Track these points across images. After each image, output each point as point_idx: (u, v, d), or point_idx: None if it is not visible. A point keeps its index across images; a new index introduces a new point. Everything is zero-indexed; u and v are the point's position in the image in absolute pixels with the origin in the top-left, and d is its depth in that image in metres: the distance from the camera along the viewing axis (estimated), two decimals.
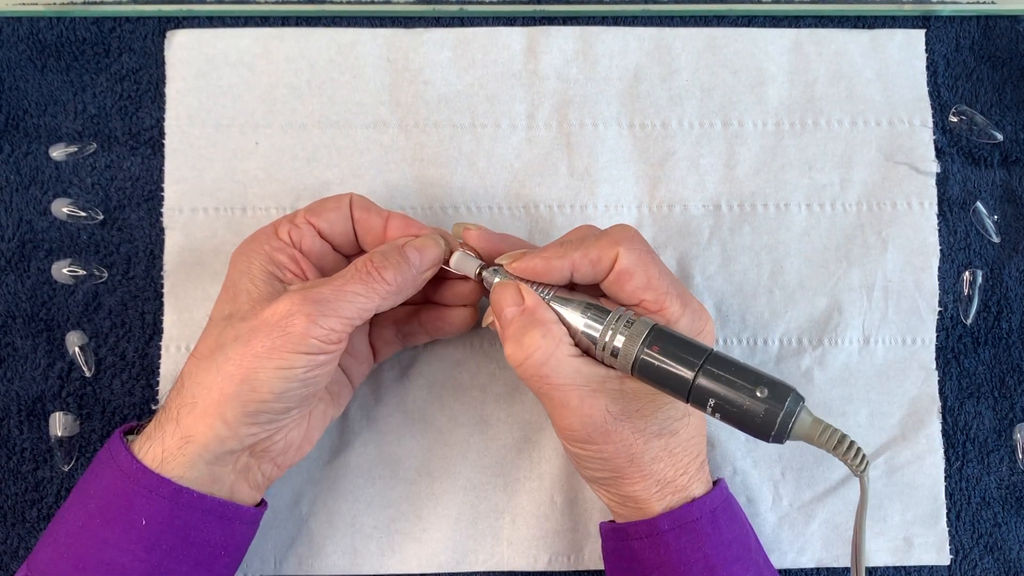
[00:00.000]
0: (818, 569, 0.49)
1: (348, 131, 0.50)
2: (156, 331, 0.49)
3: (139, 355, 0.49)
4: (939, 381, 0.50)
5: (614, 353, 0.39)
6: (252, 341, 0.38)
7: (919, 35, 0.52)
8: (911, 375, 0.50)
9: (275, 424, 0.39)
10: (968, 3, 0.52)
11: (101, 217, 0.49)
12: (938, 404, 0.50)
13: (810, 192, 0.50)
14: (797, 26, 0.52)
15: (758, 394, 0.36)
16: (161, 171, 0.50)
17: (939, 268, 0.50)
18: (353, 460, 0.49)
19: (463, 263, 0.42)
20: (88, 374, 0.49)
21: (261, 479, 0.42)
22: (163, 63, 0.50)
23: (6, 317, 0.49)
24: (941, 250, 0.50)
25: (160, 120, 0.50)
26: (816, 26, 0.52)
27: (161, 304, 0.49)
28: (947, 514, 0.49)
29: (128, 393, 0.49)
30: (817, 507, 0.49)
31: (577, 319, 0.40)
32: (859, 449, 0.37)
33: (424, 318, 0.45)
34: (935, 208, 0.51)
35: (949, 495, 0.49)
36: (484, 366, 0.49)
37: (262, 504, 0.43)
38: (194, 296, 0.49)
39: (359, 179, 0.50)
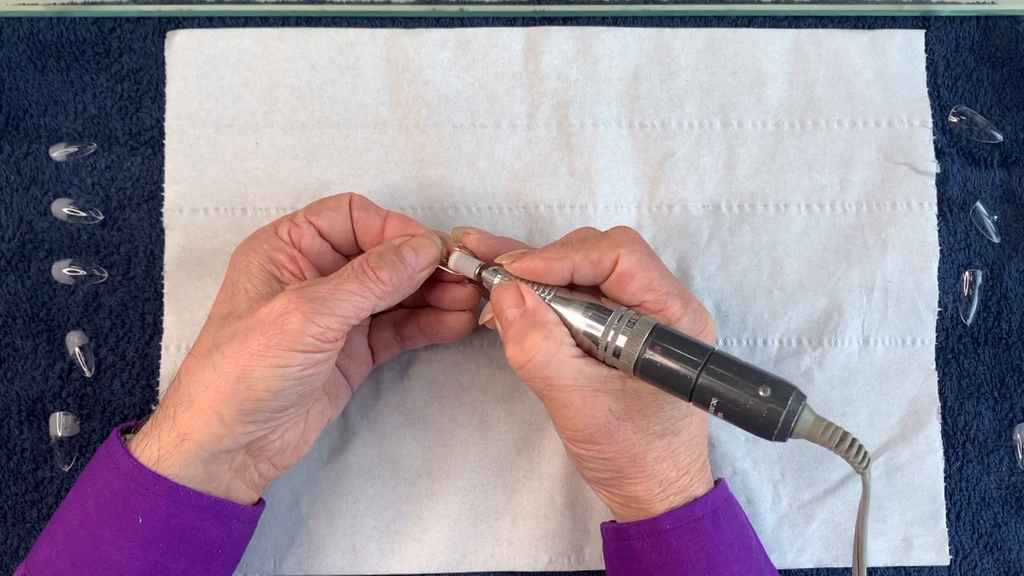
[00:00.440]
0: (818, 569, 0.49)
1: (348, 131, 0.50)
2: (156, 331, 0.49)
3: (139, 355, 0.49)
4: (939, 381, 0.50)
5: (616, 353, 0.39)
6: (248, 339, 0.38)
7: (919, 35, 0.52)
8: (911, 375, 0.50)
9: (271, 423, 0.40)
10: (968, 3, 0.52)
11: (101, 217, 0.49)
12: (938, 404, 0.50)
13: (810, 192, 0.50)
14: (797, 26, 0.52)
15: (761, 393, 0.36)
16: (161, 171, 0.50)
17: (939, 268, 0.50)
18: (353, 460, 0.49)
19: (462, 263, 0.42)
20: (88, 374, 0.49)
21: (258, 478, 0.42)
22: (163, 63, 0.50)
23: (6, 317, 0.49)
24: (941, 250, 0.50)
25: (160, 120, 0.50)
26: (816, 26, 0.52)
27: (161, 304, 0.49)
28: (947, 514, 0.49)
29: (128, 393, 0.49)
30: (817, 507, 0.49)
31: (578, 319, 0.40)
32: (861, 446, 0.37)
33: (423, 322, 0.45)
34: (935, 208, 0.51)
35: (949, 495, 0.49)
36: (484, 367, 0.49)
37: (260, 503, 0.43)
38: (194, 296, 0.49)
39: (359, 179, 0.50)
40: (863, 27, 0.52)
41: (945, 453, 0.49)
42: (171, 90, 0.50)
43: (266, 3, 0.51)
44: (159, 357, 0.49)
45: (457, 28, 0.51)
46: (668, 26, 0.51)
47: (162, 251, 0.49)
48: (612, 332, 0.39)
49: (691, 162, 0.50)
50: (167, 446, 0.38)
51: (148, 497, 0.38)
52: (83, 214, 0.49)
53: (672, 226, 0.50)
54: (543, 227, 0.50)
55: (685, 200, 0.50)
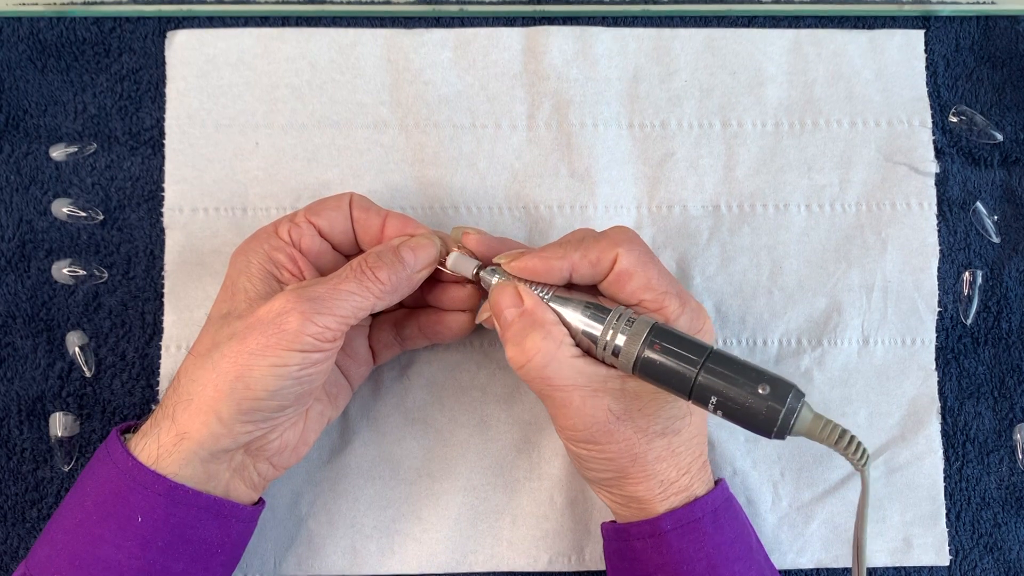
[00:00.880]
0: (817, 569, 0.49)
1: (348, 131, 0.50)
2: (156, 331, 0.49)
3: (139, 355, 0.49)
4: (939, 381, 0.50)
5: (615, 352, 0.39)
6: (247, 338, 0.38)
7: (919, 35, 0.52)
8: (911, 375, 0.50)
9: (270, 422, 0.40)
10: (968, 3, 0.52)
11: (101, 217, 0.49)
12: (937, 404, 0.50)
13: (809, 193, 0.50)
14: (797, 26, 0.52)
15: (760, 391, 0.36)
16: (161, 171, 0.50)
17: (939, 268, 0.50)
18: (353, 460, 0.49)
19: (460, 264, 0.42)
20: (88, 374, 0.49)
21: (257, 478, 0.42)
22: (163, 63, 0.50)
23: (6, 317, 0.49)
24: (941, 250, 0.50)
25: (160, 120, 0.50)
26: (816, 26, 0.52)
27: (161, 304, 0.49)
28: (947, 514, 0.49)
29: (128, 393, 0.49)
30: (816, 507, 0.49)
31: (577, 319, 0.40)
32: (860, 443, 0.37)
33: (423, 322, 0.45)
34: (934, 208, 0.51)
35: (949, 495, 0.49)
36: (484, 367, 0.49)
37: (259, 503, 0.43)
38: (194, 296, 0.49)
39: (359, 179, 0.50)
40: (863, 27, 0.52)
41: (945, 453, 0.49)
42: (171, 90, 0.50)
43: (266, 3, 0.51)
44: (159, 357, 0.49)
45: (457, 28, 0.51)
46: (668, 26, 0.51)
47: (162, 251, 0.49)
48: (611, 331, 0.39)
49: (691, 162, 0.50)
50: (166, 445, 0.38)
51: (147, 496, 0.38)
52: (83, 214, 0.49)
53: (672, 226, 0.50)
54: (543, 227, 0.50)
55: (685, 200, 0.50)
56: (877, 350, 0.50)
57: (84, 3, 0.50)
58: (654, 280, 0.40)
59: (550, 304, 0.40)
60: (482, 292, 0.44)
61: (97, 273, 0.49)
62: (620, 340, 0.39)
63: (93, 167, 0.50)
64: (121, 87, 0.50)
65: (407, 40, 0.50)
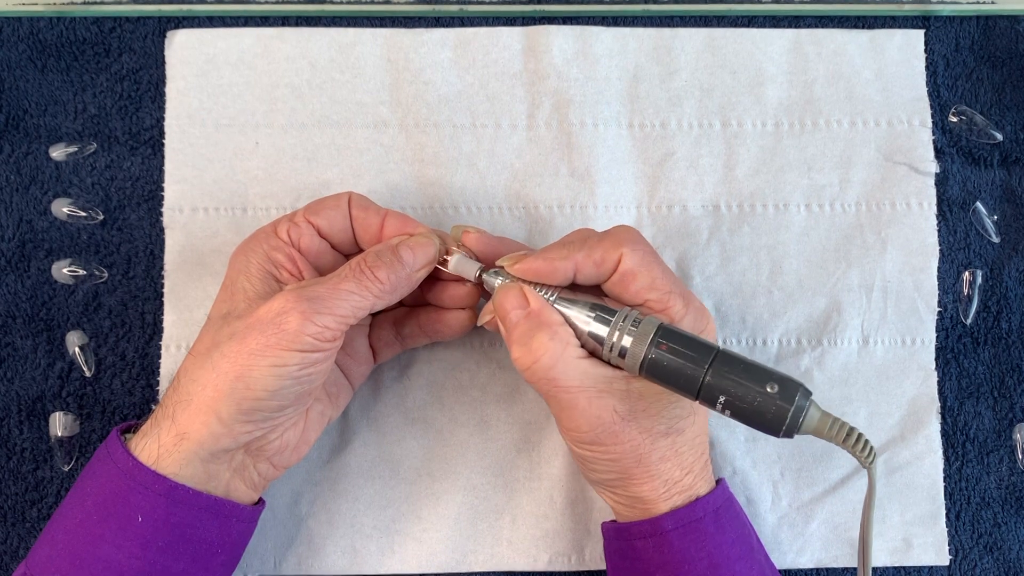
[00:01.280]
0: (817, 569, 0.49)
1: (348, 131, 0.50)
2: (156, 331, 0.49)
3: (139, 355, 0.49)
4: (938, 381, 0.50)
5: (622, 353, 0.39)
6: (247, 338, 0.38)
7: (919, 35, 0.52)
8: (910, 375, 0.50)
9: (270, 422, 0.40)
10: (968, 3, 0.52)
11: (101, 217, 0.49)
12: (937, 404, 0.50)
13: (809, 192, 0.50)
14: (797, 26, 0.52)
15: (768, 390, 0.36)
16: (161, 171, 0.50)
17: (939, 268, 0.50)
18: (353, 460, 0.49)
19: (462, 266, 0.42)
20: (88, 374, 0.49)
21: (258, 478, 0.42)
22: (163, 63, 0.50)
23: (6, 317, 0.49)
24: (941, 250, 0.50)
25: (160, 120, 0.50)
26: (816, 26, 0.52)
27: (161, 304, 0.49)
28: (946, 514, 0.49)
29: (128, 393, 0.49)
30: (816, 507, 0.49)
31: (583, 320, 0.40)
32: (867, 441, 0.38)
33: (423, 320, 0.45)
34: (934, 208, 0.51)
35: (948, 495, 0.49)
36: (484, 366, 0.49)
37: (260, 503, 0.43)
38: (194, 296, 0.49)
39: (359, 179, 0.50)
40: (863, 27, 0.52)
41: (945, 453, 0.49)
42: (171, 90, 0.50)
43: (266, 3, 0.51)
44: (159, 357, 0.49)
45: (457, 28, 0.51)
46: (668, 26, 0.51)
47: (162, 251, 0.49)
48: (617, 332, 0.39)
49: (691, 162, 0.50)
50: (166, 445, 0.38)
51: (147, 496, 0.38)
52: (83, 214, 0.49)
53: (672, 226, 0.50)
54: (543, 227, 0.50)
55: (685, 200, 0.50)
56: (877, 350, 0.50)
57: (84, 3, 0.50)
58: (659, 280, 0.40)
59: (555, 305, 0.40)
60: (484, 294, 0.43)
61: (97, 273, 0.49)
62: (627, 341, 0.39)
63: (93, 167, 0.50)
64: (121, 87, 0.50)
65: (407, 40, 0.50)
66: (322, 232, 0.42)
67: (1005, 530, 0.49)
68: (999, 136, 0.51)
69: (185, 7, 0.51)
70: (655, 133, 0.51)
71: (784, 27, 0.52)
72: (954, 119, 0.51)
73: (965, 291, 0.51)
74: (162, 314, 0.49)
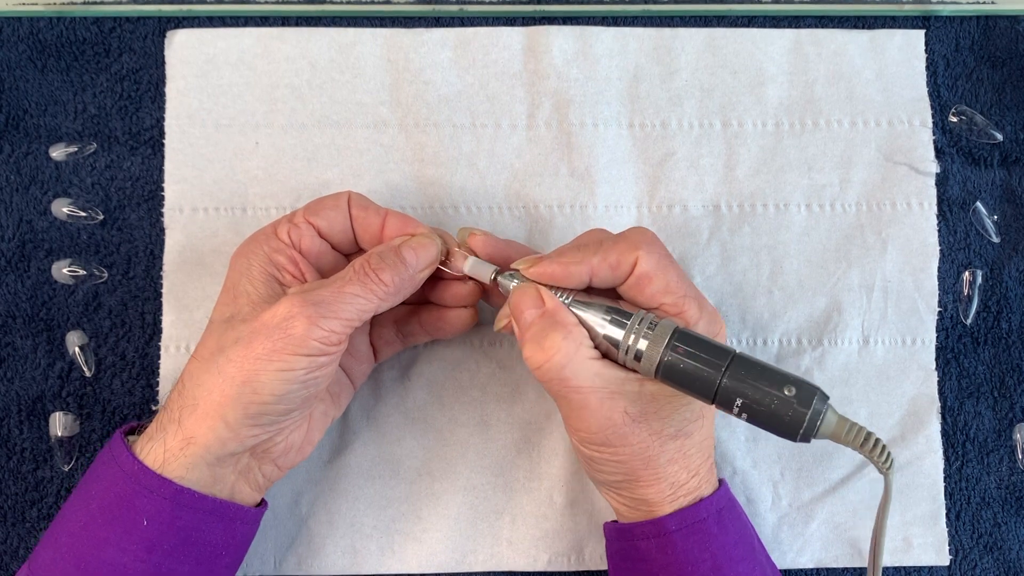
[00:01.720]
0: (818, 569, 0.49)
1: (348, 131, 0.50)
2: (156, 331, 0.49)
3: (139, 355, 0.49)
4: (939, 381, 0.50)
5: (637, 356, 0.39)
6: (253, 343, 0.38)
7: (919, 35, 0.52)
8: (911, 375, 0.50)
9: (276, 426, 0.40)
10: (968, 3, 0.52)
11: (101, 217, 0.49)
12: (937, 404, 0.50)
13: (809, 192, 0.50)
14: (797, 26, 0.52)
15: (785, 393, 0.36)
16: (161, 171, 0.50)
17: (939, 268, 0.50)
18: (353, 460, 0.49)
19: (478, 269, 0.42)
20: (88, 374, 0.49)
21: (262, 480, 0.42)
22: (163, 63, 0.50)
23: (6, 317, 0.49)
24: (941, 250, 0.50)
25: (160, 120, 0.50)
26: (816, 26, 0.52)
27: (161, 304, 0.49)
28: (947, 514, 0.49)
29: (128, 393, 0.49)
30: (817, 507, 0.49)
31: (598, 322, 0.40)
32: (884, 446, 0.37)
33: (424, 318, 0.45)
34: (935, 208, 0.51)
35: (949, 495, 0.49)
36: (484, 366, 0.49)
37: (262, 504, 0.43)
38: (194, 296, 0.49)
39: (359, 179, 0.50)
40: (863, 27, 0.52)
41: (945, 453, 0.49)
42: (171, 90, 0.50)
43: (266, 3, 0.51)
44: (159, 357, 0.49)
45: (457, 28, 0.51)
46: (668, 26, 0.51)
47: (162, 251, 0.49)
48: (633, 335, 0.39)
49: (691, 162, 0.50)
50: (172, 449, 0.38)
51: (153, 499, 0.38)
52: (83, 214, 0.49)
53: (672, 226, 0.50)
54: (543, 227, 0.50)
55: (685, 200, 0.50)
56: (877, 350, 0.50)
57: (84, 3, 0.50)
58: (674, 283, 0.40)
59: (571, 308, 0.40)
60: (498, 297, 0.43)
61: (97, 273, 0.49)
62: (642, 344, 0.39)
63: (93, 167, 0.50)
64: (121, 87, 0.50)
65: (407, 40, 0.50)
66: (322, 233, 0.42)
67: (1005, 530, 0.49)
68: (999, 136, 0.51)
69: (185, 7, 0.51)
70: (655, 133, 0.51)
71: (784, 27, 0.52)
72: (954, 119, 0.51)
73: (965, 291, 0.51)
74: (162, 314, 0.49)
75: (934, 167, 0.51)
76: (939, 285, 0.50)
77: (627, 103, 0.51)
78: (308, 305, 0.38)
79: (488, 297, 0.45)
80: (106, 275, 0.49)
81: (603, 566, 0.48)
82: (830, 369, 0.50)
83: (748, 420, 0.37)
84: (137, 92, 0.50)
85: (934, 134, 0.51)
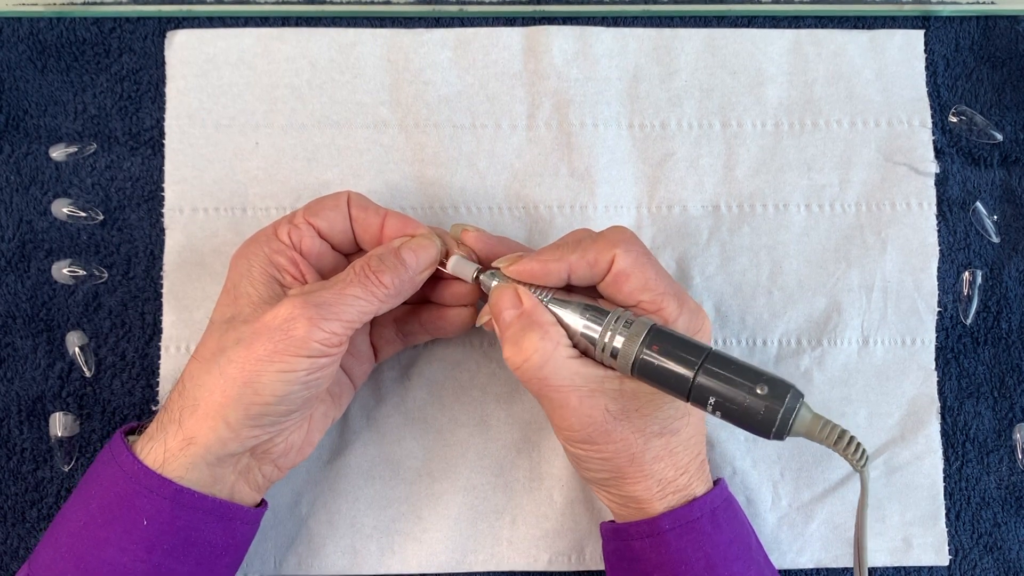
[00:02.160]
0: (817, 569, 0.49)
1: (348, 131, 0.50)
2: (156, 331, 0.49)
3: (139, 355, 0.49)
4: (938, 381, 0.50)
5: (613, 354, 0.39)
6: (254, 344, 0.38)
7: (918, 35, 0.52)
8: (910, 375, 0.50)
9: (277, 426, 0.40)
10: (968, 3, 0.52)
11: (101, 217, 0.49)
12: (937, 404, 0.50)
13: (809, 193, 0.50)
14: (797, 26, 0.52)
15: (758, 391, 0.36)
16: (161, 171, 0.50)
17: (939, 268, 0.50)
18: (353, 460, 0.49)
19: (460, 267, 0.42)
20: (88, 374, 0.49)
21: (262, 480, 0.42)
22: (163, 63, 0.50)
23: (6, 317, 0.49)
24: (941, 250, 0.50)
25: (160, 120, 0.50)
26: (816, 26, 0.52)
27: (161, 304, 0.49)
28: (946, 514, 0.49)
29: (128, 393, 0.49)
30: (816, 507, 0.49)
31: (576, 320, 0.40)
32: (859, 444, 0.38)
33: (424, 318, 0.45)
34: (934, 208, 0.51)
35: (948, 495, 0.49)
36: (484, 366, 0.49)
37: (262, 504, 0.43)
38: (194, 296, 0.49)
39: (359, 179, 0.50)
40: (863, 27, 0.52)
41: (945, 453, 0.49)
42: (171, 90, 0.50)
43: (266, 3, 0.51)
44: (159, 357, 0.49)
45: (457, 28, 0.51)
46: (668, 26, 0.51)
47: (162, 251, 0.49)
48: (609, 333, 0.39)
49: (691, 162, 0.50)
50: (173, 449, 0.38)
51: (153, 500, 0.38)
52: (83, 214, 0.49)
53: (672, 226, 0.50)
54: (543, 227, 0.50)
55: (685, 200, 0.50)
56: (877, 350, 0.50)
57: (84, 3, 0.50)
58: (652, 281, 0.40)
59: (549, 306, 0.40)
60: (482, 294, 0.44)
61: (97, 273, 0.49)
62: (618, 342, 0.39)
63: (93, 167, 0.50)
64: (121, 87, 0.50)
65: (407, 40, 0.50)
66: (322, 233, 0.42)
67: (1005, 530, 0.49)
68: (999, 136, 0.51)
69: (185, 7, 0.51)
70: (655, 133, 0.51)
71: (784, 27, 0.52)
72: (954, 119, 0.51)
73: (965, 291, 0.51)
74: (162, 314, 0.49)
75: (934, 167, 0.51)
76: (939, 285, 0.50)
77: (627, 103, 0.51)
78: (309, 307, 0.38)
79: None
80: (106, 275, 0.49)
81: (603, 566, 0.48)
82: (830, 369, 0.50)
83: (722, 417, 0.37)
84: (137, 92, 0.50)
85: (934, 134, 0.51)
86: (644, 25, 0.51)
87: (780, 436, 0.36)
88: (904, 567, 0.49)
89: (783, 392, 0.36)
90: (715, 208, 0.50)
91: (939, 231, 0.51)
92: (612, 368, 0.40)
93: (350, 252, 0.44)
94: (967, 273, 0.51)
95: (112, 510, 0.38)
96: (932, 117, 0.51)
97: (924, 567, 0.49)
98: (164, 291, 0.49)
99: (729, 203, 0.50)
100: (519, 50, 0.51)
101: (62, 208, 0.49)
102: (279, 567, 0.48)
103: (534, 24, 0.51)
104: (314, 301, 0.38)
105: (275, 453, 0.41)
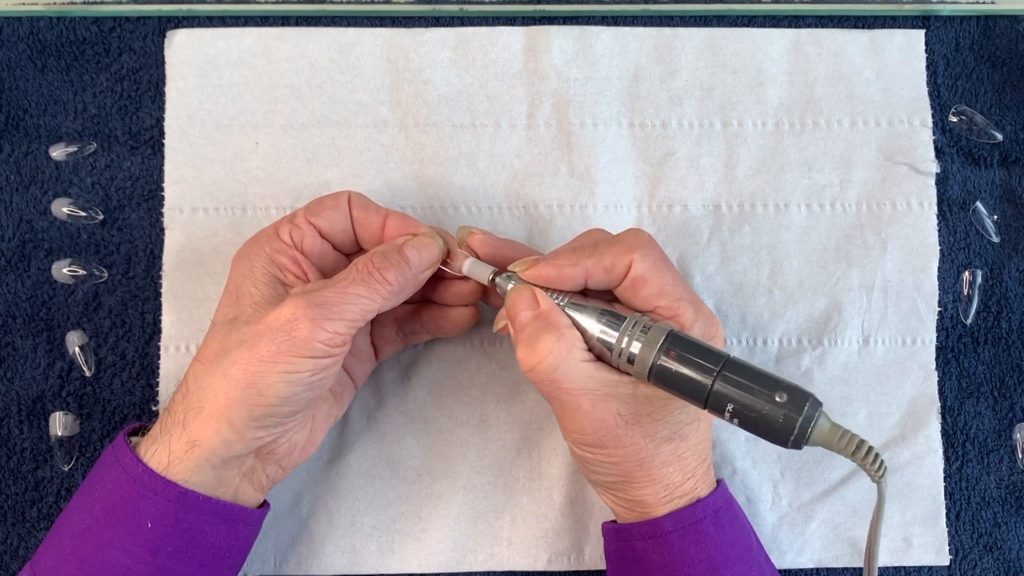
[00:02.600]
0: (817, 569, 0.49)
1: (348, 131, 0.50)
2: (156, 331, 0.49)
3: (139, 355, 0.49)
4: (939, 381, 0.50)
5: (630, 359, 0.39)
6: (257, 346, 0.38)
7: (919, 35, 0.52)
8: (911, 375, 0.50)
9: (281, 427, 0.40)
10: (968, 3, 0.52)
11: (101, 217, 0.49)
12: (937, 404, 0.50)
13: (810, 192, 0.50)
14: (797, 26, 0.52)
15: (777, 399, 0.36)
16: (161, 171, 0.50)
17: (939, 268, 0.50)
18: (353, 460, 0.49)
19: (476, 269, 0.42)
20: (88, 374, 0.49)
21: (265, 481, 0.42)
22: (163, 63, 0.50)
23: (6, 317, 0.49)
24: (941, 250, 0.50)
25: (160, 120, 0.50)
26: (816, 26, 0.52)
27: (161, 304, 0.49)
28: (947, 514, 0.49)
29: (128, 393, 0.49)
30: (816, 507, 0.49)
31: (592, 325, 0.40)
32: (877, 455, 0.37)
33: (425, 317, 0.45)
34: (935, 208, 0.51)
35: (949, 495, 0.49)
36: (484, 366, 0.49)
37: (265, 505, 0.43)
38: (193, 296, 0.49)
39: (359, 179, 0.50)
40: (863, 27, 0.52)
41: (945, 453, 0.50)
42: (171, 90, 0.50)
43: (266, 3, 0.51)
44: (159, 357, 0.49)
45: (457, 28, 0.51)
46: (668, 26, 0.51)
47: (162, 251, 0.49)
48: (626, 338, 0.39)
49: (691, 162, 0.50)
50: (177, 452, 0.38)
51: (157, 502, 0.38)
52: (83, 214, 0.49)
53: (672, 226, 0.50)
54: (543, 227, 0.50)
55: (685, 200, 0.50)
56: (877, 350, 0.50)
57: (84, 3, 0.50)
58: (669, 286, 0.40)
59: (566, 310, 0.40)
60: (496, 298, 0.43)
61: (97, 273, 0.49)
62: (635, 347, 0.39)
63: (93, 167, 0.50)
64: (121, 87, 0.50)
65: (407, 39, 0.50)
66: (323, 233, 0.42)
67: (1005, 530, 0.49)
68: (999, 136, 0.51)
69: (185, 7, 0.51)
70: (655, 133, 0.51)
71: (784, 27, 0.52)
72: (954, 119, 0.51)
73: (965, 291, 0.51)
74: (162, 314, 0.49)
75: (934, 167, 0.51)
76: (939, 285, 0.50)
77: (627, 103, 0.51)
78: (312, 307, 0.38)
79: (488, 298, 0.45)
80: (106, 275, 0.49)
81: (603, 566, 0.48)
82: (830, 369, 0.50)
83: (740, 425, 0.37)
84: (137, 92, 0.50)
85: (934, 134, 0.51)
86: (644, 24, 0.51)
87: (798, 445, 0.36)
88: (904, 567, 0.49)
89: (802, 401, 0.36)
90: (716, 207, 0.50)
91: (939, 231, 0.51)
92: (628, 374, 0.40)
93: (351, 252, 0.44)
94: (967, 273, 0.51)
95: (116, 512, 0.38)
96: (932, 117, 0.51)
97: (924, 567, 0.49)
98: (164, 291, 0.49)
99: (730, 202, 0.50)
100: (519, 50, 0.51)
101: (62, 208, 0.49)
102: (279, 567, 0.48)
103: (534, 24, 0.51)
104: (316, 301, 0.38)
105: (279, 453, 0.41)
